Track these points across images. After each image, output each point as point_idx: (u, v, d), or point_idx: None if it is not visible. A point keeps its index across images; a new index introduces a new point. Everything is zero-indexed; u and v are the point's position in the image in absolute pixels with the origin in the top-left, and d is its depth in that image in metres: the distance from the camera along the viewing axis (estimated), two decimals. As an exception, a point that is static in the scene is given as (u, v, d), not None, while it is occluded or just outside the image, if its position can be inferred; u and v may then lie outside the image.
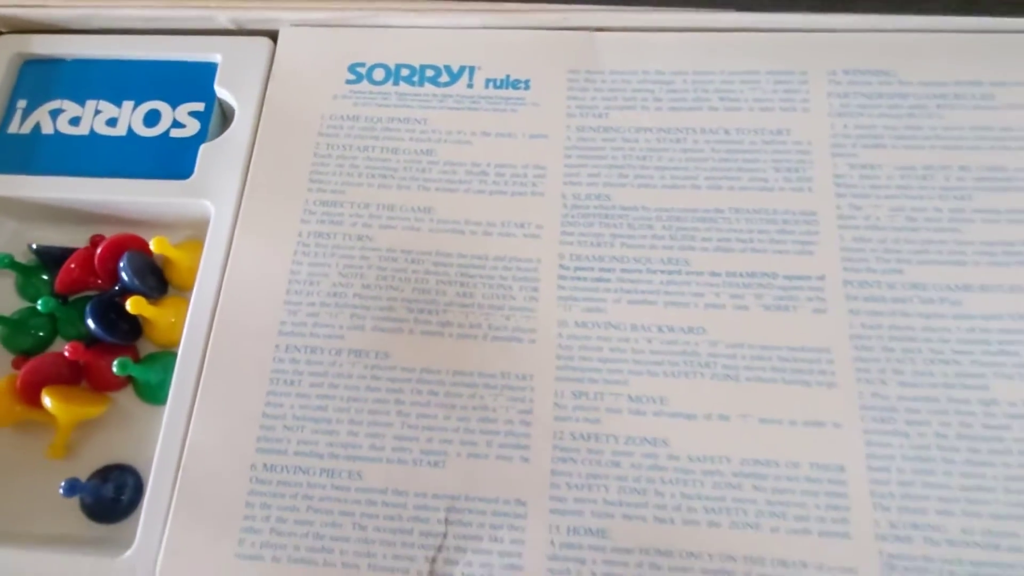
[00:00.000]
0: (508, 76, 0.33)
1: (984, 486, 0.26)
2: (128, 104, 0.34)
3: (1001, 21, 0.32)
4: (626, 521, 0.26)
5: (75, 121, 0.33)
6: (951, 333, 0.28)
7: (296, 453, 0.27)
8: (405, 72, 0.34)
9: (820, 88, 0.32)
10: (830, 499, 0.26)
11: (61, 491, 0.26)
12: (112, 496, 0.28)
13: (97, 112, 0.33)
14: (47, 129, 0.33)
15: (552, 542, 0.26)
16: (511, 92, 0.33)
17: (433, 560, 0.25)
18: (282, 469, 0.27)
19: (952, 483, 0.26)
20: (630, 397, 0.28)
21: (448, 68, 0.34)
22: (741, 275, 0.29)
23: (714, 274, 0.29)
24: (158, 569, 0.25)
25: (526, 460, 0.27)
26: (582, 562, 0.25)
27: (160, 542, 0.26)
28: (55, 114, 0.34)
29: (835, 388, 0.27)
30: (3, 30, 0.35)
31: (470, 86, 0.33)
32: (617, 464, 0.27)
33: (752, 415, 0.27)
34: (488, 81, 0.33)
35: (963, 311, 0.28)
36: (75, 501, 0.29)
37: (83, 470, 0.29)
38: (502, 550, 0.26)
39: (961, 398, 0.27)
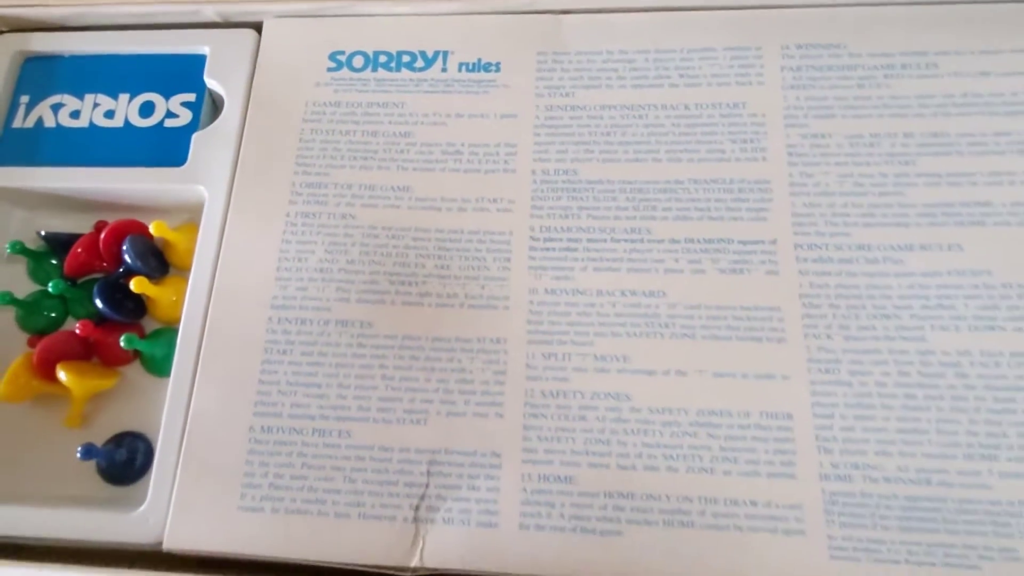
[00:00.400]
0: (480, 59, 0.35)
1: (919, 428, 0.28)
2: (124, 97, 0.36)
3: (945, -7, 0.34)
4: (591, 468, 0.28)
5: (75, 114, 0.36)
6: (893, 290, 0.30)
7: (290, 415, 0.30)
8: (383, 59, 0.36)
9: (774, 62, 0.34)
10: (778, 444, 0.28)
11: (78, 455, 0.29)
12: (125, 460, 0.31)
13: (96, 105, 0.36)
14: (49, 123, 0.35)
15: (524, 489, 0.28)
16: (483, 75, 0.35)
17: (417, 508, 0.28)
18: (278, 430, 0.29)
19: (890, 427, 0.28)
20: (595, 356, 0.30)
21: (423, 53, 0.36)
22: (699, 241, 0.31)
23: (674, 241, 0.31)
24: (169, 521, 0.28)
25: (500, 416, 0.29)
26: (551, 506, 0.28)
27: (170, 498, 0.28)
28: (56, 108, 0.36)
29: (785, 343, 0.30)
30: (3, 29, 0.37)
31: (444, 70, 0.35)
32: (583, 418, 0.29)
33: (707, 370, 0.29)
34: (461, 65, 0.35)
35: (904, 269, 0.30)
36: (92, 465, 0.31)
37: (98, 438, 0.32)
38: (479, 497, 0.28)
39: (900, 349, 0.29)
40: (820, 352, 0.29)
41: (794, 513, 0.27)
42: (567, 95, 0.34)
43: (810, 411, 0.28)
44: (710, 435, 0.28)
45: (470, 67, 0.35)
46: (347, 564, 0.27)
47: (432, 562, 0.27)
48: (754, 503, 0.27)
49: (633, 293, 0.31)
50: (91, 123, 0.35)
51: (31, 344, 0.33)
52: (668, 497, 0.28)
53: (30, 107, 0.36)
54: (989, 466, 0.27)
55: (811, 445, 0.28)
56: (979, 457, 0.27)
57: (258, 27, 0.36)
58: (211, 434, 0.29)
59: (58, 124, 0.35)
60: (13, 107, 0.36)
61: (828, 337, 0.29)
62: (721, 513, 0.27)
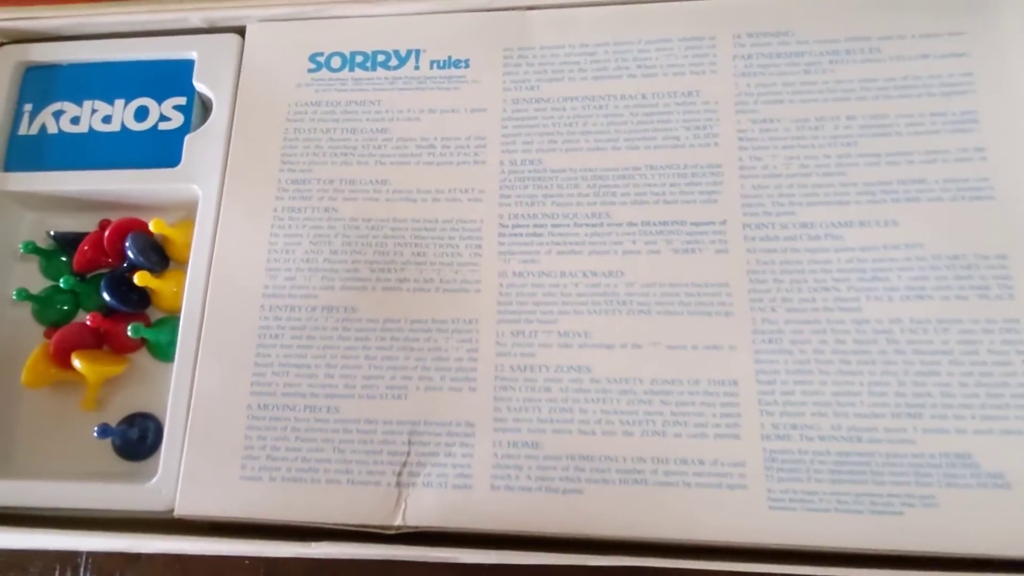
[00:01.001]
0: (450, 56, 0.37)
1: (852, 391, 0.31)
2: (120, 102, 0.38)
3: (886, -20, 0.35)
4: (556, 434, 0.31)
5: (75, 120, 0.38)
6: (832, 264, 0.32)
7: (283, 394, 0.33)
8: (359, 59, 0.38)
9: (727, 51, 0.36)
10: (724, 408, 0.31)
11: (95, 434, 0.32)
12: (137, 438, 0.34)
13: (94, 111, 0.38)
14: (52, 129, 0.38)
15: (495, 454, 0.31)
16: (453, 71, 0.37)
17: (399, 474, 0.31)
18: (273, 407, 0.32)
19: (826, 390, 0.31)
20: (559, 333, 0.33)
21: (397, 52, 0.38)
22: (654, 224, 0.34)
23: (631, 224, 0.34)
24: (178, 491, 0.31)
25: (473, 390, 0.32)
26: (520, 469, 0.31)
27: (178, 470, 0.32)
28: (58, 115, 0.38)
29: (732, 316, 0.32)
30: (3, 41, 0.40)
31: (417, 68, 0.37)
32: (548, 389, 0.32)
33: (661, 343, 0.32)
34: (432, 62, 0.37)
35: (844, 245, 0.33)
36: (108, 444, 0.35)
37: (112, 419, 0.35)
38: (455, 463, 0.31)
39: (838, 319, 0.32)
40: (764, 324, 0.32)
41: (737, 470, 0.30)
42: (532, 88, 0.37)
43: (754, 378, 0.31)
44: (663, 402, 0.31)
45: (441, 64, 0.37)
46: (338, 524, 0.31)
47: (413, 521, 0.30)
48: (702, 462, 0.30)
49: (594, 274, 0.33)
50: (91, 128, 0.38)
51: (47, 335, 0.36)
52: (624, 458, 0.31)
53: (33, 115, 0.38)
54: (914, 423, 0.30)
55: (754, 408, 0.31)
56: (905, 415, 0.30)
57: (241, 31, 0.39)
58: (213, 412, 0.32)
59: (60, 130, 0.38)
60: (18, 115, 0.38)
61: (772, 310, 0.32)
62: (672, 471, 0.30)
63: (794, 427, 0.31)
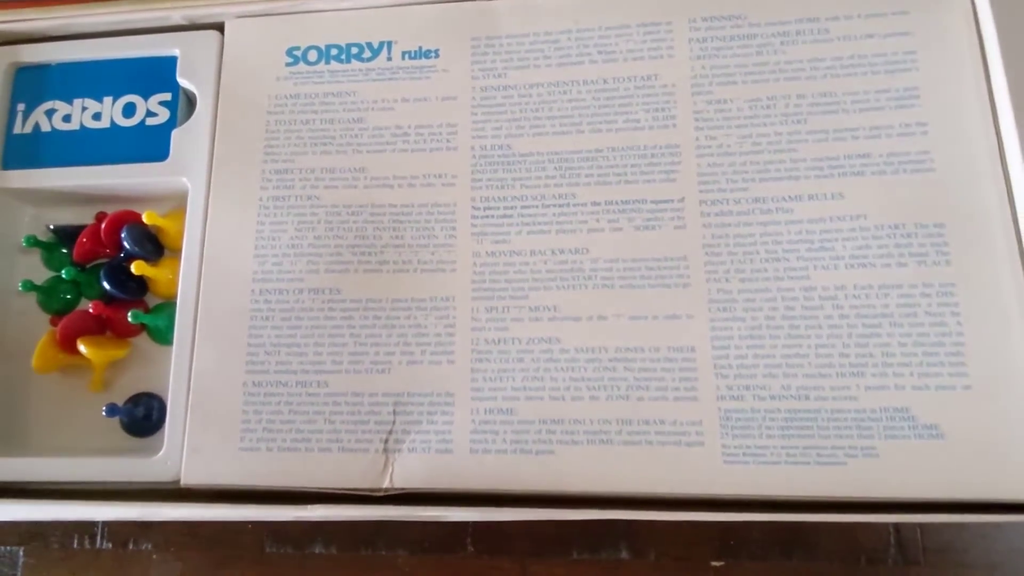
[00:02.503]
0: (420, 47, 0.39)
1: (800, 353, 0.33)
2: (108, 99, 0.40)
3: (833, -38, 0.37)
4: (528, 401, 0.34)
5: (67, 118, 0.40)
6: (783, 236, 0.35)
7: (276, 371, 0.35)
8: (334, 52, 0.40)
9: (682, 35, 0.38)
10: (683, 373, 0.34)
11: (104, 413, 0.35)
12: (143, 416, 0.37)
13: (84, 109, 0.40)
14: (45, 127, 0.40)
15: (473, 421, 0.34)
16: (424, 61, 0.39)
17: (386, 441, 0.34)
18: (267, 384, 0.35)
19: (776, 353, 0.33)
20: (530, 308, 0.35)
21: (370, 44, 0.40)
22: (617, 203, 0.36)
23: (595, 204, 0.36)
24: (184, 463, 0.34)
25: (452, 362, 0.35)
26: (496, 433, 0.34)
27: (182, 444, 0.34)
28: (50, 114, 0.40)
29: (689, 287, 0.35)
30: (-6, 42, 0.41)
31: (389, 59, 0.39)
32: (521, 360, 0.34)
33: (624, 314, 0.35)
34: (404, 53, 0.39)
35: (793, 217, 0.35)
36: (115, 422, 0.37)
37: (117, 399, 0.38)
38: (437, 430, 0.34)
39: (787, 287, 0.34)
40: (719, 294, 0.34)
41: (695, 428, 0.33)
42: (500, 76, 0.38)
43: (710, 344, 0.34)
44: (626, 368, 0.34)
45: (412, 55, 0.39)
46: (331, 489, 0.33)
47: (400, 483, 0.33)
48: (662, 422, 0.33)
49: (561, 252, 0.36)
50: (82, 125, 0.40)
51: (53, 323, 0.38)
52: (592, 421, 0.33)
53: (27, 114, 0.40)
54: (857, 382, 0.33)
55: (710, 372, 0.34)
56: (849, 375, 0.33)
57: (220, 27, 0.40)
58: (212, 390, 0.35)
59: (53, 128, 0.40)
60: (12, 115, 0.40)
61: (727, 280, 0.35)
62: (635, 431, 0.33)
63: (747, 388, 0.33)
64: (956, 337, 0.33)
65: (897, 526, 0.35)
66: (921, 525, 0.35)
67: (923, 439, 0.32)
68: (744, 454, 0.32)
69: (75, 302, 0.39)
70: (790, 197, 0.35)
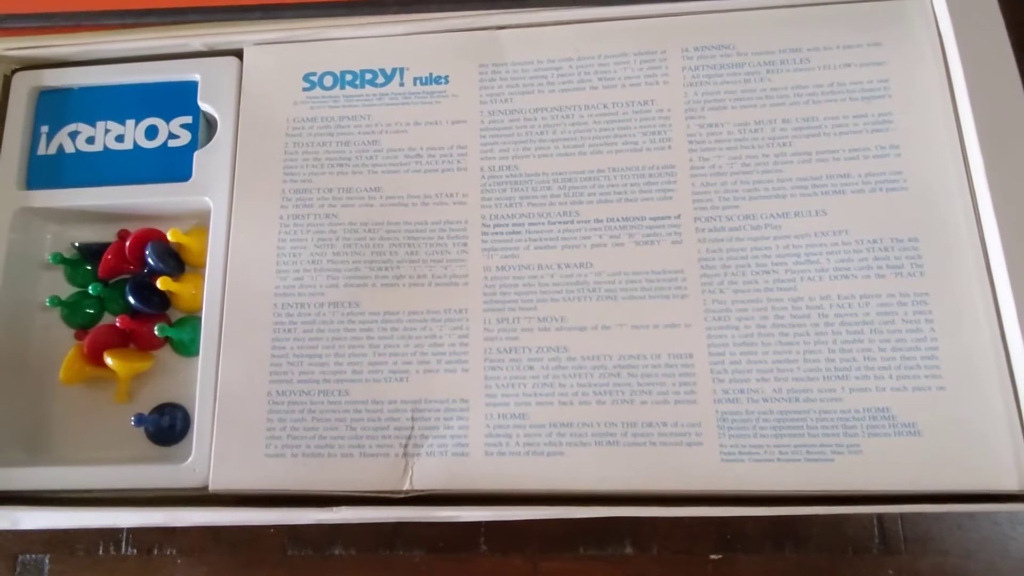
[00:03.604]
0: (431, 73, 0.42)
1: (789, 359, 0.36)
2: (131, 122, 0.42)
3: (814, -2, 0.40)
4: (539, 406, 0.36)
5: (90, 140, 0.42)
6: (772, 250, 0.37)
7: (299, 380, 0.37)
8: (349, 77, 0.42)
9: (676, 63, 0.41)
10: (682, 378, 0.36)
11: (132, 423, 0.37)
12: (168, 425, 0.38)
13: (107, 131, 0.42)
14: (69, 149, 0.42)
15: (488, 425, 0.36)
16: (434, 87, 0.41)
17: (405, 446, 0.36)
18: (290, 393, 0.37)
19: (768, 359, 0.36)
20: (539, 318, 0.37)
21: (383, 71, 0.42)
22: (618, 220, 0.39)
23: (598, 221, 0.39)
24: (211, 469, 0.36)
25: (466, 371, 0.37)
26: (509, 437, 0.36)
27: (210, 451, 0.36)
28: (73, 136, 0.42)
29: (686, 298, 0.37)
30: (17, 67, 0.43)
31: (401, 84, 0.42)
32: (531, 367, 0.37)
33: (627, 324, 0.37)
34: (415, 79, 0.42)
35: (781, 233, 0.38)
36: (139, 431, 0.39)
37: (142, 409, 0.39)
38: (453, 434, 0.36)
39: (777, 298, 0.37)
40: (714, 304, 0.37)
41: (694, 429, 0.35)
42: (506, 101, 0.41)
43: (706, 351, 0.36)
44: (629, 374, 0.36)
45: (423, 80, 0.42)
46: (354, 492, 0.35)
47: (420, 486, 0.35)
48: (664, 424, 0.36)
49: (567, 266, 0.38)
50: (105, 147, 0.42)
51: (78, 337, 0.40)
52: (599, 424, 0.36)
53: (50, 136, 0.42)
54: (842, 384, 0.35)
55: (707, 377, 0.36)
56: (835, 378, 0.36)
57: (239, 54, 0.42)
58: (238, 399, 0.37)
59: (77, 149, 0.42)
60: (36, 137, 0.42)
61: (720, 291, 0.37)
62: (640, 433, 0.36)
63: (742, 391, 0.36)
64: (931, 342, 0.35)
65: (880, 518, 0.38)
66: (902, 516, 0.38)
67: (902, 436, 0.35)
68: (740, 452, 0.35)
69: (98, 317, 0.41)
70: (778, 214, 0.38)
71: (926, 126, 0.38)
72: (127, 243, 0.40)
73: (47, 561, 0.39)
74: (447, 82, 0.41)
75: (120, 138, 0.42)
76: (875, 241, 0.37)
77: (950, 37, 0.39)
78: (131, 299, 0.39)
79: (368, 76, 0.42)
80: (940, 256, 0.36)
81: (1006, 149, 0.36)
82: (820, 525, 0.38)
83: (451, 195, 0.40)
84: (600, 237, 0.38)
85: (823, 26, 0.40)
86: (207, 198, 0.40)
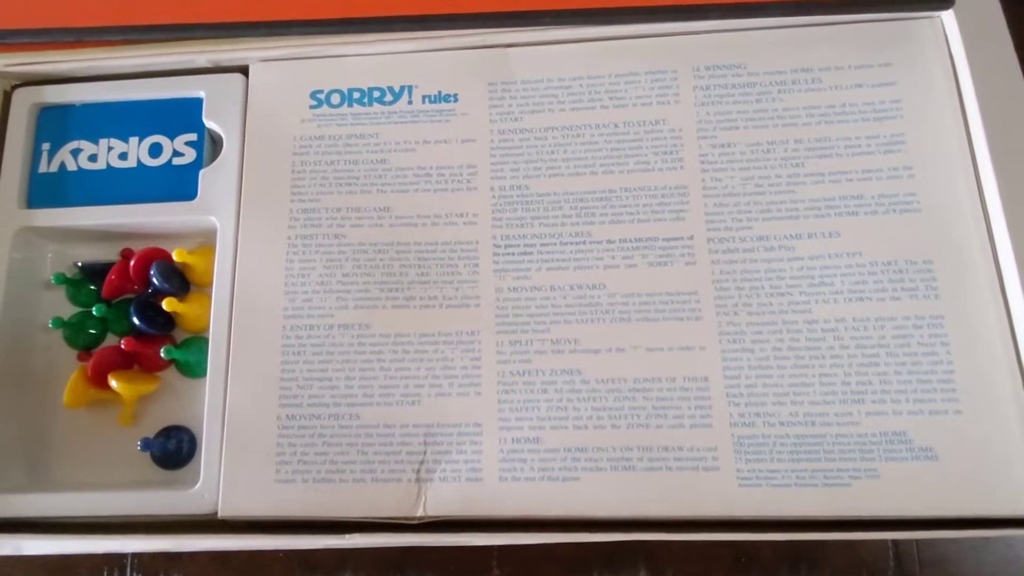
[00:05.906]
0: (440, 91, 0.41)
1: (805, 383, 0.36)
2: (134, 139, 0.41)
3: (825, 17, 0.40)
4: (553, 430, 0.36)
5: (93, 158, 0.41)
6: (786, 272, 0.37)
7: (309, 404, 0.36)
8: (357, 95, 0.41)
9: (687, 83, 0.41)
10: (697, 401, 0.36)
11: (139, 447, 0.36)
12: (174, 449, 0.38)
13: (110, 148, 0.41)
14: (71, 166, 0.41)
15: (501, 450, 0.35)
16: (443, 105, 0.41)
17: (418, 471, 0.35)
18: (300, 417, 0.36)
19: (783, 382, 0.36)
20: (552, 341, 0.37)
21: (391, 88, 0.41)
22: (630, 240, 0.38)
23: (610, 241, 0.38)
24: (220, 495, 0.35)
25: (479, 394, 0.36)
26: (523, 461, 0.35)
27: (219, 476, 0.35)
28: (75, 153, 0.41)
29: (701, 320, 0.37)
30: (17, 83, 0.42)
31: (410, 102, 0.41)
32: (545, 391, 0.36)
33: (641, 346, 0.37)
34: (424, 97, 0.41)
35: (795, 254, 0.38)
36: (144, 455, 0.38)
37: (147, 432, 0.38)
38: (466, 459, 0.36)
39: (791, 320, 0.37)
40: (729, 326, 0.37)
41: (711, 454, 0.35)
42: (516, 120, 0.41)
43: (721, 374, 0.36)
44: (644, 398, 0.36)
45: (432, 99, 0.41)
46: (366, 518, 0.35)
47: (433, 511, 0.35)
48: (680, 448, 0.35)
49: (579, 287, 0.38)
50: (108, 165, 0.41)
51: (80, 359, 0.39)
52: (614, 448, 0.35)
53: (52, 153, 0.41)
54: (858, 408, 0.35)
55: (723, 400, 0.36)
56: (851, 401, 0.35)
57: (244, 70, 0.42)
58: (247, 423, 0.36)
59: (79, 167, 0.41)
60: (37, 154, 0.41)
61: (735, 314, 0.37)
62: (655, 458, 0.35)
63: (758, 415, 0.35)
64: (947, 365, 0.35)
65: (896, 541, 0.38)
66: (918, 540, 0.38)
67: (919, 460, 0.34)
68: (757, 477, 0.35)
69: (101, 338, 0.40)
70: (791, 235, 0.38)
71: (939, 146, 0.38)
72: (131, 263, 0.39)
73: (49, 588, 0.38)
74: (456, 100, 0.41)
75: (123, 156, 0.41)
76: (889, 263, 0.37)
77: (961, 57, 0.39)
78: (136, 320, 0.38)
79: (376, 94, 0.41)
80: (955, 278, 0.36)
81: (1019, 169, 0.36)
82: (835, 548, 0.38)
83: (461, 215, 0.39)
84: (613, 258, 0.38)
85: (834, 46, 0.40)
86: (213, 217, 0.39)
